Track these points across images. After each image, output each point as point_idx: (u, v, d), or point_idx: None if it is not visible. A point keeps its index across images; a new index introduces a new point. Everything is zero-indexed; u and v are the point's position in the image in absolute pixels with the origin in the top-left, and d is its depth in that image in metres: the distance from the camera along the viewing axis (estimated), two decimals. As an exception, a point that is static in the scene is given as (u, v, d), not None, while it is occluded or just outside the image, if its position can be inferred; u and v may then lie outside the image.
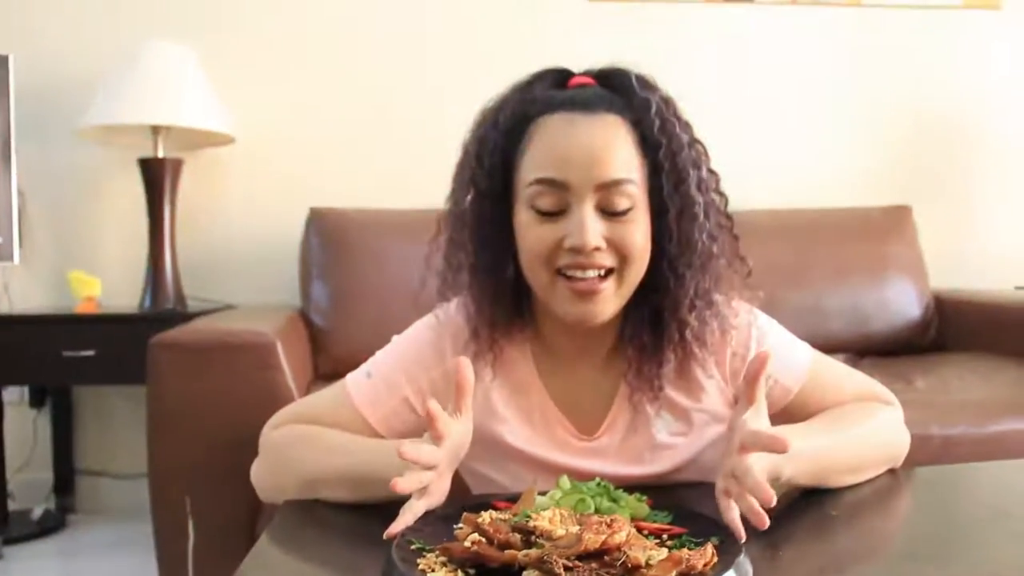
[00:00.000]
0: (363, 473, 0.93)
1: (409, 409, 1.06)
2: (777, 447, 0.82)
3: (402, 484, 0.80)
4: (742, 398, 0.90)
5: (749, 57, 2.92)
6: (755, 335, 1.07)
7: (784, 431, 0.92)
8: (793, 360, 1.08)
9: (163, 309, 2.49)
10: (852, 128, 2.97)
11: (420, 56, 2.79)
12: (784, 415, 1.08)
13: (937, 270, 2.74)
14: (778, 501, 0.95)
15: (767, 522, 0.79)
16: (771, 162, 2.88)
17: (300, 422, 1.06)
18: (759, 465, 0.84)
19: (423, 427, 1.05)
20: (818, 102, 2.95)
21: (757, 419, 0.87)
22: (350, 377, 1.09)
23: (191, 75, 2.48)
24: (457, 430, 0.90)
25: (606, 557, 0.65)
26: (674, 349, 1.03)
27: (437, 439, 0.86)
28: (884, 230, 2.69)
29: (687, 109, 1.05)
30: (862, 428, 1.03)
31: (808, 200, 2.76)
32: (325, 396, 1.11)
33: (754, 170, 2.69)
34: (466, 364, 0.91)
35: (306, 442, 1.02)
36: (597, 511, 0.81)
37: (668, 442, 1.06)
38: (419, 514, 0.83)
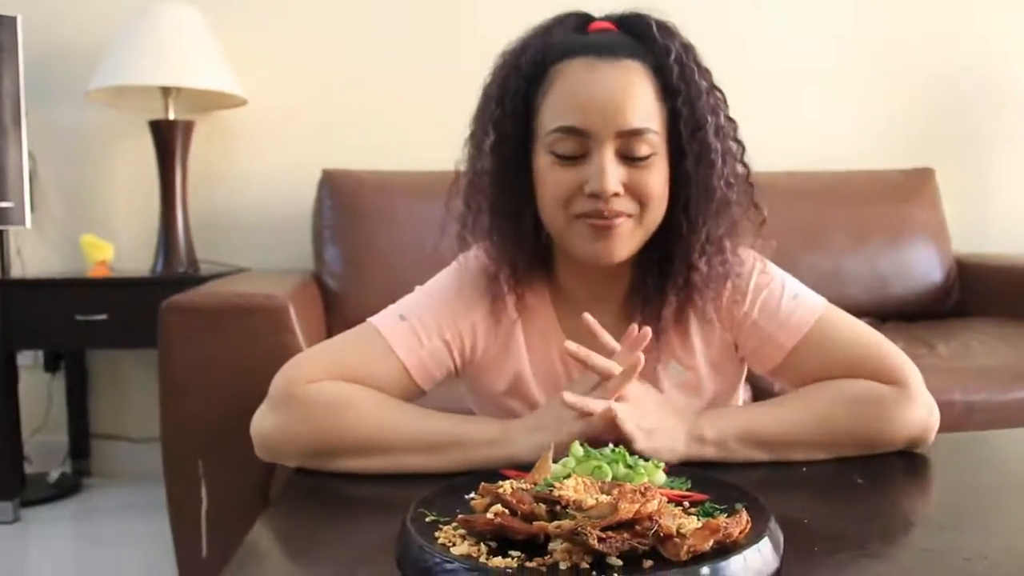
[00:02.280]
0: (454, 437, 0.95)
1: (448, 353, 1.06)
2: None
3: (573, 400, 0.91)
4: None
5: (769, 15, 2.86)
6: (753, 284, 1.06)
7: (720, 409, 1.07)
8: (791, 315, 1.04)
9: (175, 273, 2.48)
10: (875, 89, 2.90)
11: (434, 16, 2.74)
12: (778, 373, 1.07)
13: (960, 234, 2.70)
14: (804, 470, 0.95)
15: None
16: (791, 123, 2.82)
17: (333, 372, 1.00)
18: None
19: (457, 375, 1.09)
20: (839, 61, 2.89)
21: None
22: (379, 321, 1.05)
23: (202, 36, 2.44)
24: None
25: (637, 527, 0.63)
26: (677, 292, 1.04)
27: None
28: (906, 193, 2.65)
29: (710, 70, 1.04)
30: (821, 408, 0.99)
31: (828, 162, 2.71)
32: (352, 340, 1.06)
33: (773, 131, 2.62)
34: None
35: (372, 404, 0.98)
36: (613, 478, 0.79)
37: (674, 393, 1.07)
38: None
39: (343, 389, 0.99)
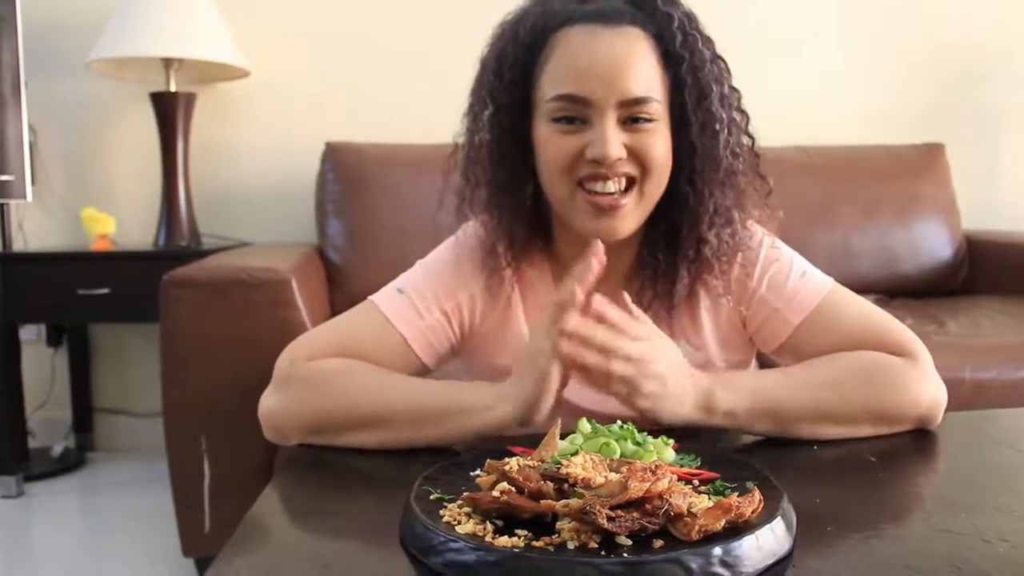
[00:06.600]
0: (447, 407, 0.92)
1: (448, 324, 1.05)
2: None
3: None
4: None
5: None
6: (763, 257, 1.05)
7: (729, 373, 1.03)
8: (798, 291, 1.03)
9: (177, 246, 2.47)
10: (886, 62, 2.87)
11: (438, -13, 2.70)
12: (784, 351, 1.06)
13: (970, 211, 2.67)
14: (815, 448, 0.94)
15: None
16: (800, 97, 2.79)
17: (334, 349, 1.00)
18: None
19: (458, 350, 1.09)
20: (850, 34, 2.85)
21: None
22: (378, 298, 1.05)
23: (204, 6, 2.41)
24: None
25: (647, 506, 0.61)
26: (688, 267, 1.03)
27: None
28: (916, 168, 2.61)
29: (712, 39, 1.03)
30: (833, 376, 0.96)
31: (838, 137, 2.68)
32: (352, 318, 1.06)
33: (782, 105, 2.61)
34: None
35: (368, 375, 0.97)
36: (622, 455, 0.77)
37: None
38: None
39: (341, 364, 0.99)
